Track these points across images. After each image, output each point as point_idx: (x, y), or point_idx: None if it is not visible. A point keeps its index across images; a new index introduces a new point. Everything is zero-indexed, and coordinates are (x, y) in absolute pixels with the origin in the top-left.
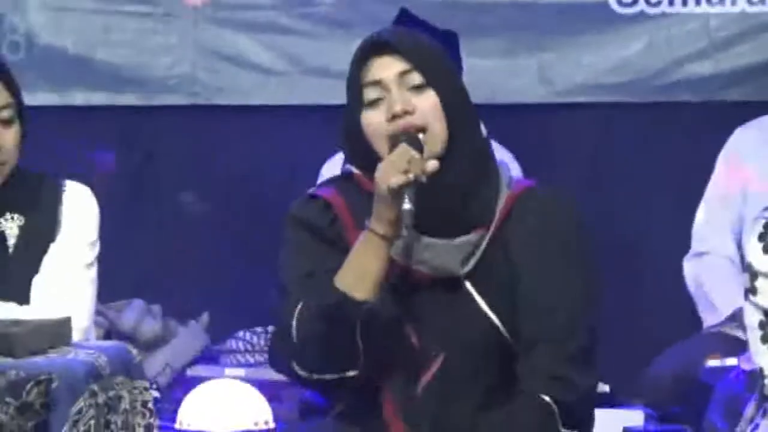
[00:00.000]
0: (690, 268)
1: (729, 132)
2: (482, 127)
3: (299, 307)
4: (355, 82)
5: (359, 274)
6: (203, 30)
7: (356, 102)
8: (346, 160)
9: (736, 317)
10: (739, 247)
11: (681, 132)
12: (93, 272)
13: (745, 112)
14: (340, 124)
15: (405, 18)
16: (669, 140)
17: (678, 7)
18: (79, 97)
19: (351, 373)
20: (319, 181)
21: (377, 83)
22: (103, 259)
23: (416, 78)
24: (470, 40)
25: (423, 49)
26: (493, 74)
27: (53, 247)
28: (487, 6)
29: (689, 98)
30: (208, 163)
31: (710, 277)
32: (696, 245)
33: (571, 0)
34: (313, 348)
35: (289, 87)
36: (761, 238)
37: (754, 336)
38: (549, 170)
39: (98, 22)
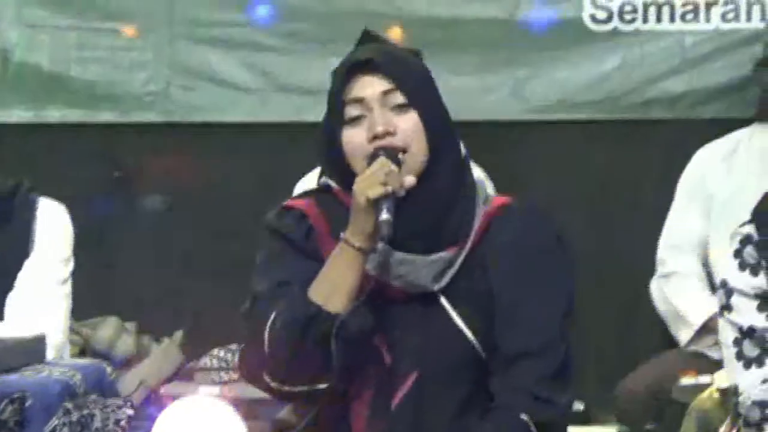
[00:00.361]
0: (657, 288)
1: (697, 146)
2: (462, 146)
3: (272, 317)
4: (337, 98)
5: (333, 287)
6: (178, 47)
7: (337, 118)
8: (323, 174)
9: (709, 327)
10: (705, 266)
11: (655, 149)
12: (67, 288)
13: (720, 128)
14: (320, 139)
15: (368, 39)
16: (643, 157)
17: (652, 25)
18: (55, 114)
19: (322, 386)
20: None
21: (359, 101)
22: (78, 276)
23: (399, 98)
24: (444, 57)
25: (407, 68)
26: (467, 91)
27: (27, 264)
28: (462, 22)
29: (663, 115)
30: (182, 180)
31: (678, 293)
32: (662, 268)
33: (545, 17)
34: (284, 359)
35: (263, 104)
36: (737, 254)
37: (729, 353)
38: (523, 187)
39: (73, 39)
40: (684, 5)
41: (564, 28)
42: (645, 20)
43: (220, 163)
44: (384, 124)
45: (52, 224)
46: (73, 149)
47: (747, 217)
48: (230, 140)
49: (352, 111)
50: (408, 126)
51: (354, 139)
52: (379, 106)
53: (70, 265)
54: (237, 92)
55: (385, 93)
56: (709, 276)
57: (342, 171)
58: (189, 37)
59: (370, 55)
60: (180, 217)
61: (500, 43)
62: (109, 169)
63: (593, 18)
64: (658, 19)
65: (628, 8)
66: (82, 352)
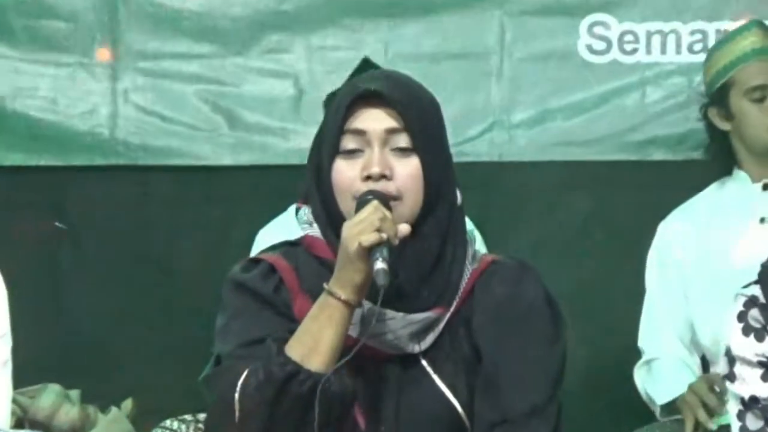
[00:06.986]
0: (640, 377)
1: (700, 190)
2: (458, 195)
3: (243, 377)
4: (334, 126)
5: (313, 343)
6: (125, 82)
7: (330, 148)
8: (298, 211)
9: (675, 407)
10: (689, 349)
11: (652, 190)
12: (8, 372)
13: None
14: (307, 172)
15: (367, 67)
16: (639, 198)
17: (656, 56)
18: None
19: None
20: (255, 247)
21: (360, 133)
22: (16, 338)
23: (403, 140)
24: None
25: (418, 107)
26: (453, 128)
27: None
28: (449, 55)
29: (664, 157)
30: (131, 229)
31: (651, 377)
32: (644, 355)
33: (536, 46)
34: (257, 423)
35: (218, 145)
36: (741, 317)
37: (735, 427)
38: (512, 229)
39: (11, 73)
40: (692, 34)
41: (557, 58)
42: (648, 51)
43: (172, 210)
44: (381, 167)
45: None
46: (12, 195)
47: (723, 274)
48: (182, 185)
49: (349, 143)
50: (407, 172)
51: (346, 173)
52: (380, 144)
53: (9, 341)
54: (190, 132)
55: (390, 131)
56: (696, 345)
57: (328, 209)
58: (138, 70)
59: (380, 86)
60: (130, 273)
61: (488, 76)
62: (52, 218)
63: (590, 48)
64: (663, 50)
65: (628, 38)
66: (20, 424)
